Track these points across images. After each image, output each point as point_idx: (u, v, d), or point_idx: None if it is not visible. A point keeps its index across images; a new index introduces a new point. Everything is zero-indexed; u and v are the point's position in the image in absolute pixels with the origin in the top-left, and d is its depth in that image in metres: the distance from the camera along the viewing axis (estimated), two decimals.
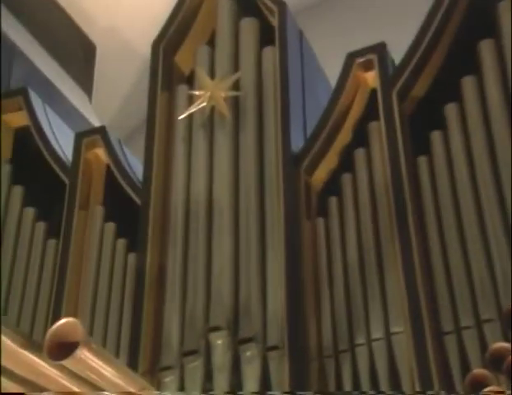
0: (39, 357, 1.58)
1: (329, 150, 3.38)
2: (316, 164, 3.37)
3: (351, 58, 3.41)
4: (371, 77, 3.37)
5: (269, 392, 2.76)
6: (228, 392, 2.78)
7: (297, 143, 3.39)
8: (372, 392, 2.70)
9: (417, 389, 2.60)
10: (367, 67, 3.38)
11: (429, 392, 2.55)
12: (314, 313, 3.00)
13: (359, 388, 2.77)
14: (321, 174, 3.39)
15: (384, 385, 2.74)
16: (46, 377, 1.64)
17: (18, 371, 1.60)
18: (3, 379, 1.62)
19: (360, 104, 3.41)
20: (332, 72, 3.57)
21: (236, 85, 3.59)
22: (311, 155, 3.35)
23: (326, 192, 3.34)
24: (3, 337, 1.50)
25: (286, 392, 2.72)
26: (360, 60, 3.38)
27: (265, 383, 2.85)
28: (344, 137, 3.40)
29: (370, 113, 3.35)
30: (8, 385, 1.62)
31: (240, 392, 2.78)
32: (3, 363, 1.55)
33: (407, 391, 2.65)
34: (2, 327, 1.50)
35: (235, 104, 3.60)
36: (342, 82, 3.38)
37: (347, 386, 2.79)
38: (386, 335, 2.82)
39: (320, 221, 3.24)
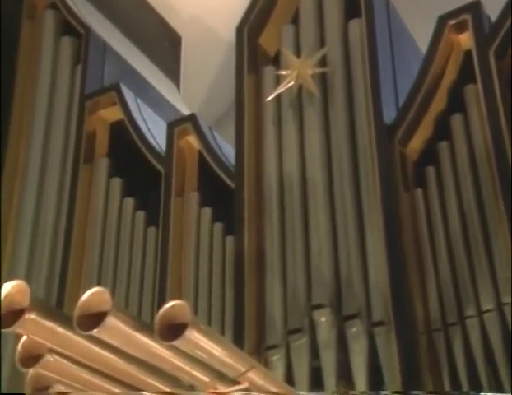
0: (151, 339, 1.62)
1: (424, 118, 3.28)
2: (411, 135, 3.28)
3: (442, 20, 3.28)
4: (465, 39, 3.24)
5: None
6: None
7: (389, 114, 3.31)
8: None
9: None
10: (461, 28, 3.24)
11: None
12: (419, 286, 2.94)
13: (473, 363, 2.68)
14: (416, 144, 3.29)
15: (499, 358, 2.64)
16: (159, 357, 1.68)
17: (133, 352, 1.66)
18: None
19: (454, 67, 3.28)
20: (423, 39, 3.46)
21: (323, 62, 3.55)
22: (405, 125, 3.27)
23: (423, 163, 3.24)
24: (117, 322, 1.55)
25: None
26: (453, 22, 3.24)
27: (373, 359, 2.83)
28: (439, 103, 3.29)
29: (465, 76, 3.22)
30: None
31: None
32: (120, 345, 1.61)
33: None
34: (116, 312, 1.55)
35: (323, 80, 3.55)
36: (433, 47, 3.26)
37: (460, 360, 2.71)
38: (497, 306, 2.71)
39: (418, 192, 3.16)
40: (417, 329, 2.84)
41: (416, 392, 2.58)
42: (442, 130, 3.23)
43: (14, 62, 4.43)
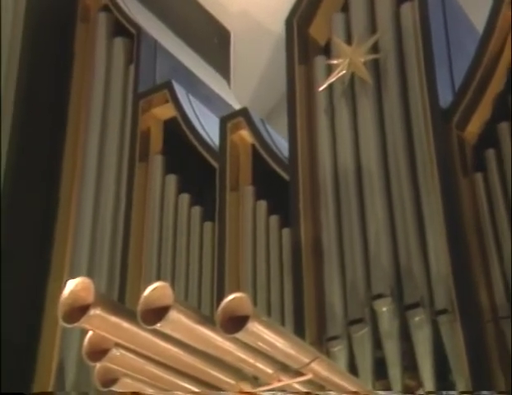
0: (213, 331, 1.63)
1: (481, 100, 3.18)
2: (468, 117, 3.19)
3: None
4: None
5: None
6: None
7: (445, 98, 3.24)
8: None
9: None
10: None
11: None
12: (483, 272, 2.86)
13: None
14: (475, 127, 3.21)
15: None
16: (221, 350, 1.69)
17: (196, 345, 1.67)
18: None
19: None
20: (479, 17, 3.36)
21: (375, 48, 3.50)
22: (462, 108, 3.19)
23: (482, 146, 3.16)
24: (180, 315, 1.56)
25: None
26: None
27: (438, 348, 2.78)
28: (497, 84, 3.19)
29: None
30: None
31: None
32: (183, 338, 1.62)
33: None
34: (179, 306, 1.56)
35: (376, 67, 3.50)
36: (490, 26, 3.16)
37: None
38: None
39: (478, 177, 3.08)
40: (483, 317, 2.77)
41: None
42: (501, 111, 3.14)
43: (70, 65, 4.52)
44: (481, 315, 2.78)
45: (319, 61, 3.73)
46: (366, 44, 3.49)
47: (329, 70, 3.60)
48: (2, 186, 3.96)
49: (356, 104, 3.50)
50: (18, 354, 3.69)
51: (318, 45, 3.89)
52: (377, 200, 3.17)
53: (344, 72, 3.50)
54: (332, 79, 3.54)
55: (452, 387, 2.71)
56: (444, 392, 2.66)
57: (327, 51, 3.77)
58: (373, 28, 3.58)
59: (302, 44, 3.85)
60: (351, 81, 3.52)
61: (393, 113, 3.34)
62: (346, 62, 3.49)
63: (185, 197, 3.91)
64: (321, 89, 3.59)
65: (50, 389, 3.60)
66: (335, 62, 3.55)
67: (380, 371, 2.84)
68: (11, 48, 4.36)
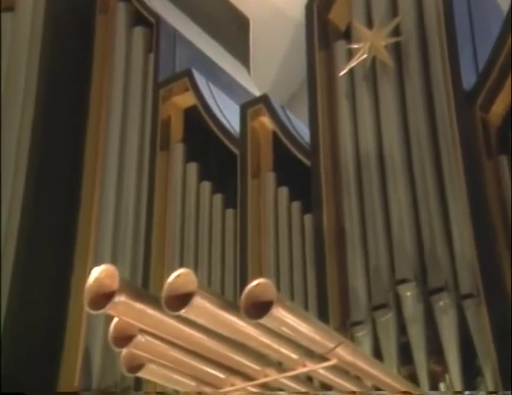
0: (237, 317, 1.63)
1: (505, 82, 3.13)
2: (492, 99, 3.15)
3: None
4: None
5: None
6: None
7: (469, 80, 3.19)
8: None
9: None
10: None
11: None
12: (508, 256, 2.83)
13: None
14: (499, 109, 3.16)
15: None
16: (245, 335, 1.69)
17: (220, 331, 1.67)
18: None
19: None
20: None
21: (396, 31, 3.45)
22: (485, 90, 3.14)
23: (506, 127, 3.11)
24: (204, 301, 1.56)
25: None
26: None
27: (463, 332, 2.76)
28: None
29: None
30: None
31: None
32: (207, 324, 1.62)
33: None
34: (203, 292, 1.56)
35: (397, 50, 3.46)
36: None
37: None
38: None
39: (503, 159, 3.04)
40: (509, 300, 2.74)
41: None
42: None
43: (90, 56, 4.54)
44: (507, 299, 2.76)
45: (340, 46, 3.70)
46: (387, 28, 3.45)
47: (350, 54, 3.57)
48: (26, 179, 4.00)
49: (377, 88, 3.47)
50: (45, 341, 3.74)
51: (339, 30, 3.86)
52: (400, 184, 3.15)
53: (365, 56, 3.46)
54: (352, 63, 3.51)
55: (478, 371, 2.69)
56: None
57: (347, 36, 3.74)
58: (394, 11, 3.53)
59: (322, 29, 3.82)
60: (373, 64, 3.48)
61: (415, 97, 3.30)
62: (367, 45, 3.46)
63: (206, 185, 3.92)
64: (342, 74, 3.56)
65: (77, 376, 3.65)
66: (356, 46, 3.52)
67: (405, 356, 2.83)
68: (32, 44, 4.39)
